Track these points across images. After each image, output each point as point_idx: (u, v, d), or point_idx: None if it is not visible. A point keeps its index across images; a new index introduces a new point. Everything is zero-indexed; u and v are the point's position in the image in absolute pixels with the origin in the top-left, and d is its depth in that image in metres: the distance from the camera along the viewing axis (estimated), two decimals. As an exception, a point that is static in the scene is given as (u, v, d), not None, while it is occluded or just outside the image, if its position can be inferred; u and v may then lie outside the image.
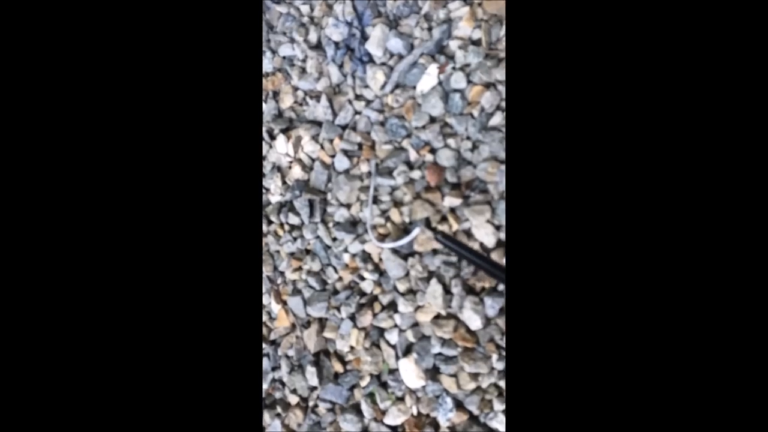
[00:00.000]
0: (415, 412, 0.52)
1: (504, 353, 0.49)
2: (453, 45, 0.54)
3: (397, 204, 0.55)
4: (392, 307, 0.55)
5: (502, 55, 0.51)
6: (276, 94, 0.65)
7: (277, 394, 0.62)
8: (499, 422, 0.48)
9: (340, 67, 0.61)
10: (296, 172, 0.63)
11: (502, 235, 0.50)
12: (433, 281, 0.52)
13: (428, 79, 0.55)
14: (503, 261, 0.49)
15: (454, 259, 0.52)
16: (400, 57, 0.57)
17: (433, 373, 0.52)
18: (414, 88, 0.56)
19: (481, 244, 0.51)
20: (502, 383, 0.49)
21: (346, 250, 0.58)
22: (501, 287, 0.49)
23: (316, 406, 0.58)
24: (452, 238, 0.50)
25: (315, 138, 0.62)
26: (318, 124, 0.62)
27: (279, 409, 0.60)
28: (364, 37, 0.59)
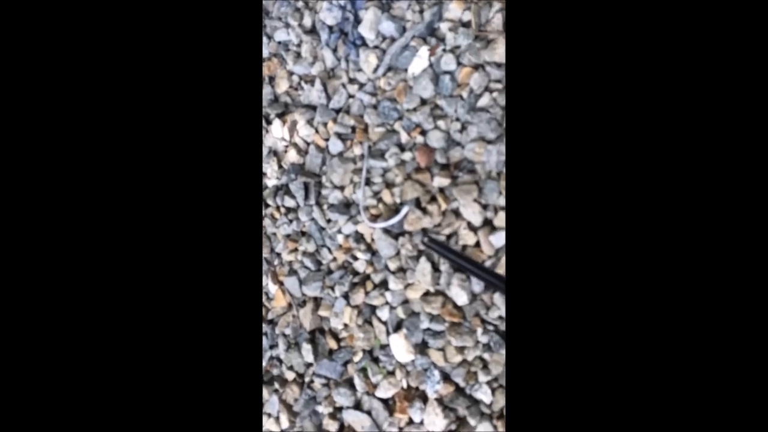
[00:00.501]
0: (404, 385, 0.54)
1: (488, 327, 0.50)
2: (444, 27, 0.55)
3: (389, 185, 0.56)
4: (383, 285, 0.57)
5: (491, 36, 0.52)
6: (272, 79, 0.67)
7: (275, 371, 0.64)
8: (483, 393, 0.50)
9: (334, 51, 0.62)
10: (292, 156, 0.64)
11: (489, 214, 0.51)
12: (422, 259, 0.53)
13: (419, 61, 0.56)
14: (488, 263, 0.50)
15: (442, 237, 0.53)
16: (393, 40, 0.58)
17: (422, 348, 0.53)
18: (405, 70, 0.57)
19: (469, 223, 0.52)
20: (487, 356, 0.50)
21: (339, 231, 0.60)
22: (488, 263, 0.50)
23: (311, 381, 0.60)
24: (440, 242, 0.51)
25: (310, 122, 0.63)
26: (313, 108, 0.63)
27: (276, 386, 0.62)
28: (357, 21, 0.60)
